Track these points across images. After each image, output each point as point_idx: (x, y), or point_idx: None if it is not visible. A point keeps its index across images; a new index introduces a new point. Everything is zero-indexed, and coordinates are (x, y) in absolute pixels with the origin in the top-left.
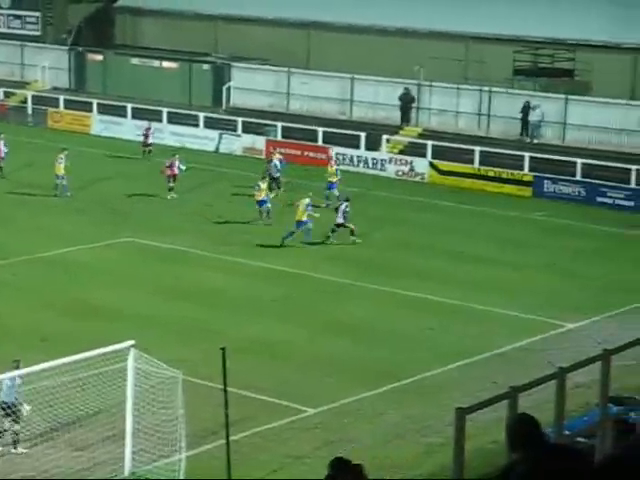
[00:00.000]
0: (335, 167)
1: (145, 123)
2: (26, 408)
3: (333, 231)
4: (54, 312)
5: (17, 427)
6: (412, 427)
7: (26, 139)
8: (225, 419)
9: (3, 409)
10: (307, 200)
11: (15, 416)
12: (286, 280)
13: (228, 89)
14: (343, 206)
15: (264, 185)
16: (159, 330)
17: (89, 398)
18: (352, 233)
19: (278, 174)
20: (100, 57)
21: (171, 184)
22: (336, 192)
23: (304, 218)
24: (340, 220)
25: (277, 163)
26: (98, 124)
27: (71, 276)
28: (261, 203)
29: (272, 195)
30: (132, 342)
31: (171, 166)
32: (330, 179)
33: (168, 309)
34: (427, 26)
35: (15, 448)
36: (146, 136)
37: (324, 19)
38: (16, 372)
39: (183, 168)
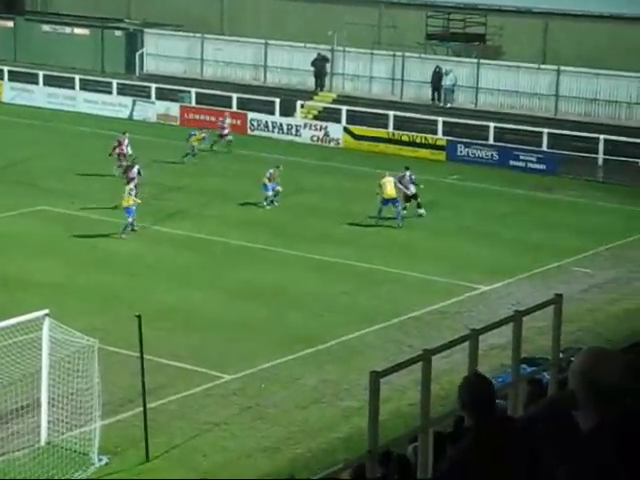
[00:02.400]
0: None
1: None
2: None
3: (418, 205)
4: None
5: None
6: (329, 391)
7: None
8: (142, 387)
9: None
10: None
11: None
12: (200, 246)
13: (141, 55)
14: (407, 175)
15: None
16: (74, 299)
17: (3, 368)
18: (419, 205)
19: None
20: (10, 24)
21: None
22: None
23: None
24: (413, 190)
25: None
26: (9, 91)
27: None
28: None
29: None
30: (46, 311)
31: (119, 145)
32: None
33: (83, 278)
34: None
35: None
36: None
37: None
38: None
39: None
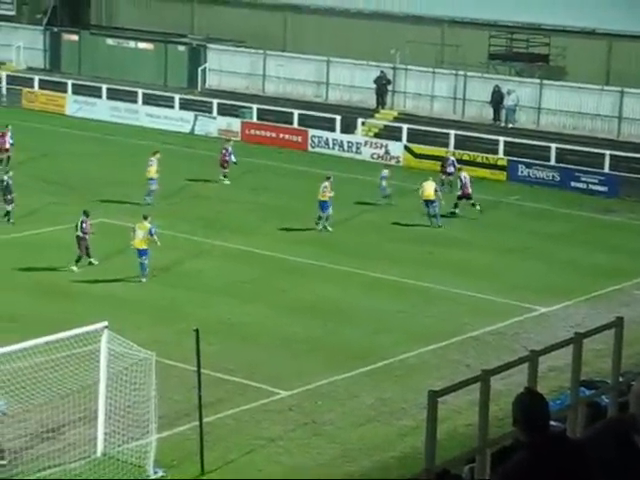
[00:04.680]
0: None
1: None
2: (7, 414)
3: (473, 204)
4: (24, 293)
5: None
6: (385, 410)
7: (1, 119)
8: (198, 401)
9: None
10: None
11: None
12: (257, 261)
13: (204, 71)
14: (462, 176)
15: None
16: (132, 312)
17: (62, 379)
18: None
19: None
20: (75, 37)
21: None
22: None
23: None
24: (469, 190)
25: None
26: (72, 104)
27: (43, 256)
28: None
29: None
30: (105, 323)
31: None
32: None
33: (141, 291)
34: (404, 9)
35: (2, 458)
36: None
37: (300, 2)
38: None
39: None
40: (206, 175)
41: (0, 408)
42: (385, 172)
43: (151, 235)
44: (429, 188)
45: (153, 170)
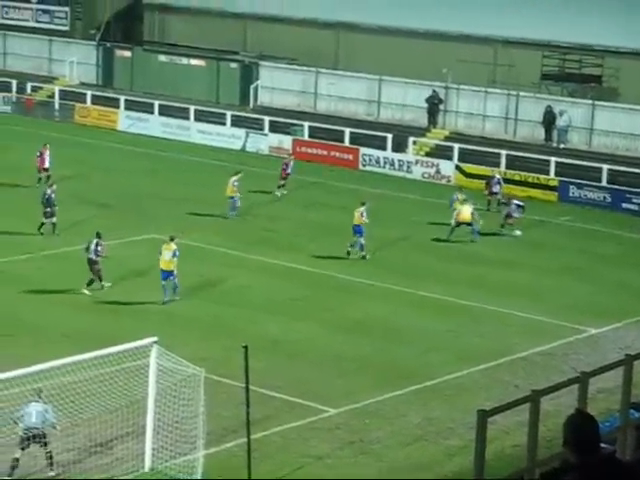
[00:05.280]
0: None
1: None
2: (57, 428)
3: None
4: (75, 308)
5: (48, 448)
6: (433, 429)
7: (54, 134)
8: (246, 417)
9: (30, 435)
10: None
11: (44, 440)
12: (306, 279)
13: (255, 88)
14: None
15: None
16: (181, 327)
17: (111, 394)
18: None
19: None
20: (128, 53)
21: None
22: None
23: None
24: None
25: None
26: (125, 120)
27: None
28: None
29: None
30: (155, 338)
31: (41, 155)
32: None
33: (191, 306)
34: (456, 29)
35: (51, 470)
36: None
37: (353, 20)
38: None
39: None
40: (257, 193)
41: (50, 421)
42: (457, 195)
43: (174, 257)
44: (465, 211)
45: (234, 189)
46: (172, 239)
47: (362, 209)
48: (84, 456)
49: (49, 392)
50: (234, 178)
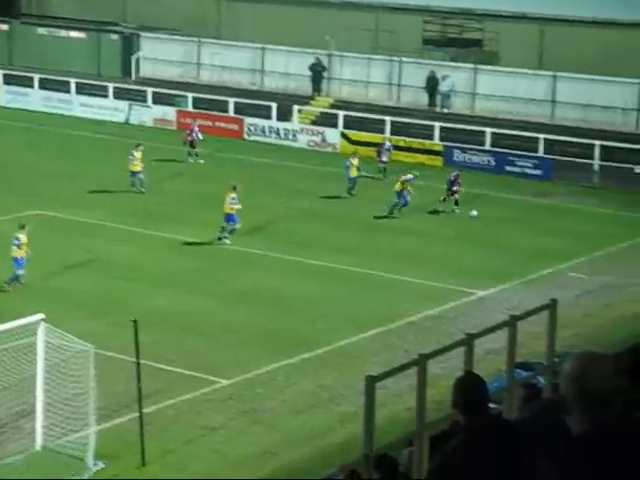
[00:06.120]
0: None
1: None
2: None
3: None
4: None
5: None
6: (325, 396)
7: None
8: (138, 392)
9: None
10: (410, 175)
11: None
12: (197, 252)
13: (137, 59)
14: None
15: (138, 155)
16: (69, 303)
17: None
18: (457, 203)
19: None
20: (5, 27)
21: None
22: None
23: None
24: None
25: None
26: (5, 95)
27: None
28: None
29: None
30: (42, 316)
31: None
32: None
33: (78, 282)
34: None
35: None
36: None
37: None
38: None
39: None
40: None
41: None
42: (410, 176)
43: (14, 245)
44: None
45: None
46: (22, 227)
47: (233, 195)
48: None
49: None
50: (138, 152)
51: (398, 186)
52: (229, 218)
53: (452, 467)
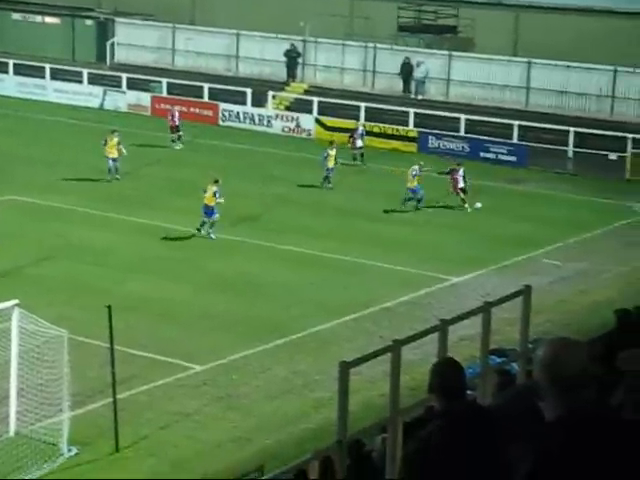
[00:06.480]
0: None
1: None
2: None
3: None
4: None
5: None
6: (299, 382)
7: None
8: (112, 377)
9: None
10: (415, 167)
11: None
12: (172, 238)
13: (112, 45)
14: (461, 171)
15: (114, 141)
16: (43, 289)
17: None
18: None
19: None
20: None
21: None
22: None
23: (414, 185)
24: (462, 184)
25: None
26: None
27: None
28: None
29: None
30: (16, 301)
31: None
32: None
33: (52, 268)
34: None
35: None
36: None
37: None
38: None
39: None
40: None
41: None
42: (416, 167)
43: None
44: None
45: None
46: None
47: (215, 188)
48: None
49: None
50: (116, 139)
51: (411, 183)
52: (209, 211)
53: (428, 452)
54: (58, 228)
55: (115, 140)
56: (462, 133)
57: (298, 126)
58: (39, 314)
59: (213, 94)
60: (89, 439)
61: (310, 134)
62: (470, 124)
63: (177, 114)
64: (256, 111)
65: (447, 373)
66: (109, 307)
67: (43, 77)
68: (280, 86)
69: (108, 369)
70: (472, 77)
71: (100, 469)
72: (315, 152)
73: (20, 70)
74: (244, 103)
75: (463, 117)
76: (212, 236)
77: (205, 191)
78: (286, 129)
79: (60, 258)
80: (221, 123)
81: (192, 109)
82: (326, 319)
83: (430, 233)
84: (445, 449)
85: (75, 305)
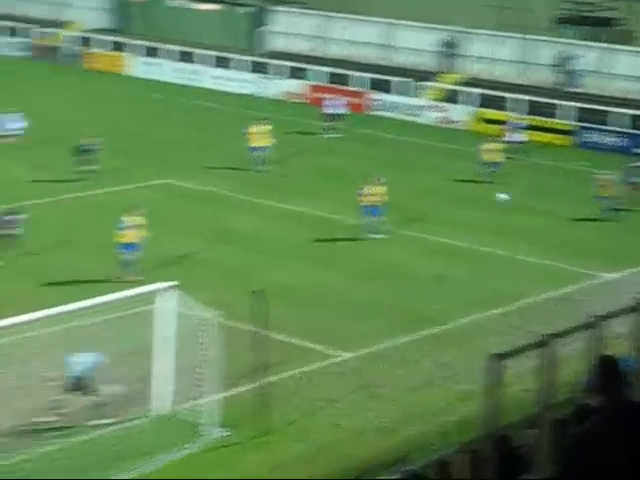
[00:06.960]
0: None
1: None
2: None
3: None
4: (91, 253)
5: (85, 399)
6: (444, 374)
7: (64, 78)
8: (262, 363)
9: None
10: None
11: (84, 390)
12: (323, 225)
13: (267, 33)
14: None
15: (263, 130)
16: (200, 273)
17: (127, 337)
18: None
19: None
20: None
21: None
22: None
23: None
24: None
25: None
26: (138, 66)
27: (109, 217)
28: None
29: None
30: (175, 282)
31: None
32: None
33: (208, 251)
34: None
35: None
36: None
37: None
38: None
39: None
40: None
41: (92, 363)
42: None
43: None
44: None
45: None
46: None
47: (385, 188)
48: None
49: (62, 336)
50: (265, 127)
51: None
52: (373, 210)
53: (588, 448)
54: (213, 212)
55: (265, 128)
56: (619, 127)
57: (451, 117)
58: (194, 297)
59: (365, 83)
60: (236, 422)
61: (463, 125)
62: (628, 118)
63: (333, 102)
64: (409, 101)
65: (608, 371)
66: (262, 292)
67: (200, 63)
68: (434, 76)
69: (252, 354)
70: (630, 71)
71: (249, 452)
72: (469, 144)
73: (176, 56)
74: (397, 92)
75: (620, 111)
76: (380, 236)
77: (361, 190)
78: (438, 119)
79: (216, 242)
80: (373, 112)
81: (346, 98)
82: (473, 312)
83: (575, 227)
84: (604, 446)
85: (230, 289)
